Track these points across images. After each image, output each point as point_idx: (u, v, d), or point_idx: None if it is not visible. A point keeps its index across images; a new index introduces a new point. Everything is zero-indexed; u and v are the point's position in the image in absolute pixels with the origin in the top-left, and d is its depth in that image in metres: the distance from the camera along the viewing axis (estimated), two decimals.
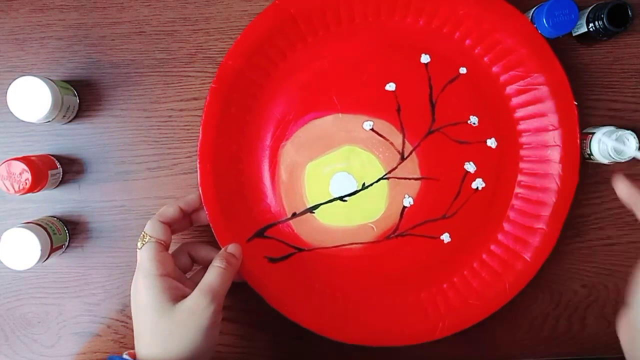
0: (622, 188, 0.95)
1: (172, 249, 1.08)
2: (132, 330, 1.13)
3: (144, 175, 1.19)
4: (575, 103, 1.12)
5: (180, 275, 1.06)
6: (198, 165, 1.11)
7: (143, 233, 1.04)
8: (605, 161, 1.13)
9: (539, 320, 1.20)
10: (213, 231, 1.12)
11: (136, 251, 1.10)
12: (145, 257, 1.00)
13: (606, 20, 1.10)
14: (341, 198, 1.15)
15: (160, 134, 1.19)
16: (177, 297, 0.97)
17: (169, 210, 1.08)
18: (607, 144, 1.09)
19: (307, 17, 1.13)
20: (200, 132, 1.11)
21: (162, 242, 1.03)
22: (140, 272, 0.99)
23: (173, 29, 1.19)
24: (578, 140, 1.13)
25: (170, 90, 1.19)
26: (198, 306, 0.95)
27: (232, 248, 1.06)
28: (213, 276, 0.99)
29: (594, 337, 1.19)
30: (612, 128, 1.12)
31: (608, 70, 1.20)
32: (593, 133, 1.13)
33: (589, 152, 1.14)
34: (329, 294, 1.16)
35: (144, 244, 1.02)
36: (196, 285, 0.99)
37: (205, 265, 1.04)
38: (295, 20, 1.13)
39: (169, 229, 1.06)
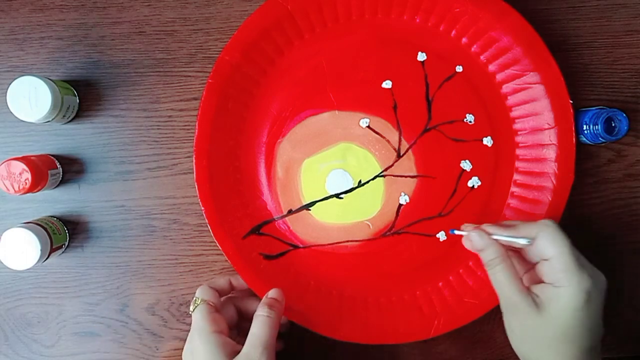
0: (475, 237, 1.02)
1: None
2: (132, 330, 1.14)
3: (144, 175, 1.20)
4: (571, 101, 1.12)
5: (231, 333, 1.07)
6: (194, 161, 1.12)
7: (195, 297, 1.05)
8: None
9: None
10: (209, 227, 1.12)
11: (136, 251, 1.14)
12: (198, 318, 1.01)
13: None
14: (337, 195, 1.15)
15: (160, 134, 1.19)
16: (231, 353, 0.97)
17: (220, 280, 1.11)
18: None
19: (304, 13, 1.14)
20: (197, 127, 1.12)
21: (212, 304, 1.04)
22: (196, 331, 1.00)
23: (173, 29, 1.20)
24: (574, 139, 1.12)
25: (170, 90, 1.19)
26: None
27: (273, 293, 1.07)
28: (259, 326, 0.99)
29: None
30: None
31: (608, 70, 1.20)
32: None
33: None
34: (325, 291, 1.16)
35: (196, 307, 1.04)
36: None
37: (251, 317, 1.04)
38: (292, 17, 1.13)
39: (218, 295, 1.08)
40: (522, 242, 0.97)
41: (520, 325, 0.96)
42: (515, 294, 0.94)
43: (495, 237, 1.01)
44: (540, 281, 0.96)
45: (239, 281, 1.13)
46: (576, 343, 0.92)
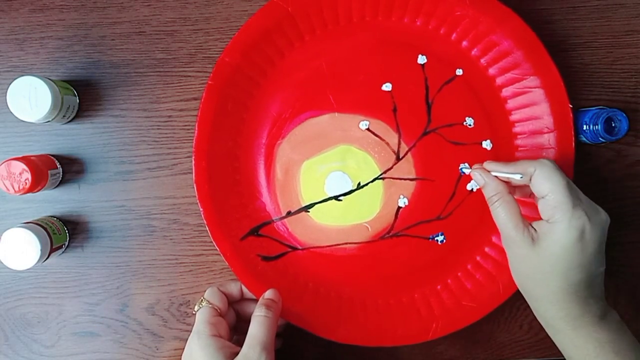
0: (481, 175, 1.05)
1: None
2: (132, 330, 1.14)
3: (144, 175, 1.20)
4: (570, 106, 1.12)
5: (231, 337, 1.09)
6: (193, 162, 1.12)
7: (201, 298, 1.07)
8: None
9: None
10: (207, 228, 1.12)
11: (136, 251, 1.15)
12: (199, 320, 1.03)
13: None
14: (336, 197, 1.15)
15: (160, 134, 1.19)
16: (230, 354, 0.98)
17: (231, 285, 1.13)
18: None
19: (304, 15, 1.13)
20: (196, 128, 1.12)
21: (217, 308, 1.06)
22: (195, 334, 1.02)
23: (173, 29, 1.20)
24: (573, 143, 1.12)
25: (170, 90, 1.19)
26: None
27: (269, 293, 1.08)
28: (257, 327, 1.01)
29: None
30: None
31: (608, 70, 1.20)
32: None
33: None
34: (323, 293, 1.16)
35: (200, 307, 1.06)
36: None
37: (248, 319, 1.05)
38: (293, 18, 1.13)
39: (226, 299, 1.09)
40: (516, 177, 1.01)
41: (515, 257, 1.02)
42: (511, 229, 0.99)
43: (494, 174, 1.03)
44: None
45: (248, 290, 1.13)
46: (563, 276, 0.95)
